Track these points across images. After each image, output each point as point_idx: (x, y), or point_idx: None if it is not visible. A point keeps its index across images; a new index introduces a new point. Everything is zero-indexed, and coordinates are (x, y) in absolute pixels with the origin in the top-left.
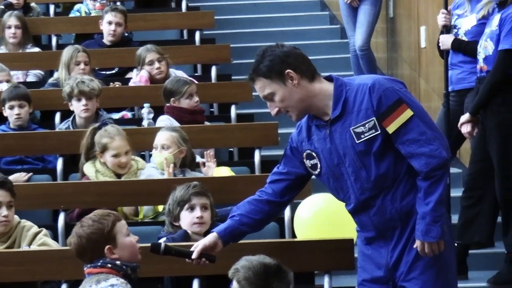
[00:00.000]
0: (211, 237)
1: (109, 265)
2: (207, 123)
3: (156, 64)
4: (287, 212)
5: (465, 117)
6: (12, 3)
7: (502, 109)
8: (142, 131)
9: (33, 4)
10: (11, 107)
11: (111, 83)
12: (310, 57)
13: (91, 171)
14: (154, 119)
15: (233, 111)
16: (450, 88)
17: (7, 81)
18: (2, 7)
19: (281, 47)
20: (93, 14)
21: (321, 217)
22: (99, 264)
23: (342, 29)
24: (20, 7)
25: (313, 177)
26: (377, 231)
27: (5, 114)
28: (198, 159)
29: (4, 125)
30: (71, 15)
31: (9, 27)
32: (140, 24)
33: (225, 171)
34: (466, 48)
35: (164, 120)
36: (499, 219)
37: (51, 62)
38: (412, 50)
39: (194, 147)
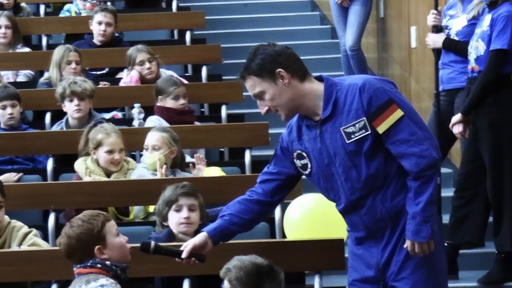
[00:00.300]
0: (201, 236)
1: (99, 265)
2: (197, 123)
3: (147, 64)
4: (277, 212)
5: (456, 117)
6: (2, 3)
7: (494, 109)
8: (132, 131)
9: (23, 4)
10: (4, 107)
11: (100, 83)
12: (300, 57)
13: (81, 168)
14: (145, 119)
15: (224, 111)
16: (440, 88)
17: None
18: None
19: (273, 46)
20: (83, 14)
21: (310, 217)
22: (88, 264)
23: (332, 29)
24: (10, 7)
25: (304, 177)
26: (367, 231)
27: None
28: (188, 159)
29: None
30: (61, 15)
31: None
32: (131, 24)
33: (216, 171)
34: (457, 47)
35: (154, 121)
36: (491, 219)
37: (42, 62)
38: (403, 50)
39: (185, 147)
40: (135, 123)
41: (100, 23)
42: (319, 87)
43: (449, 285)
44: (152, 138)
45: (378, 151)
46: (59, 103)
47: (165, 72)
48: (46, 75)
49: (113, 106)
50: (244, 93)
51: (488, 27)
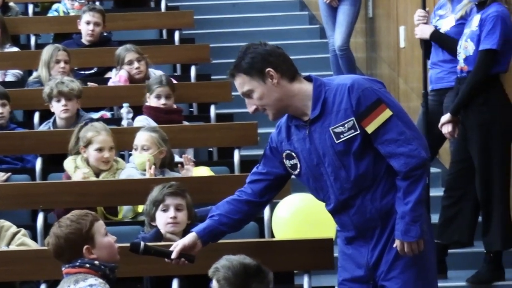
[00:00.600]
0: (191, 237)
1: (88, 265)
2: (186, 123)
3: (136, 64)
4: (266, 212)
5: (446, 117)
6: None
7: (483, 109)
8: (121, 131)
9: (11, 4)
10: None
11: (88, 83)
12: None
13: (71, 166)
14: (134, 119)
15: (213, 111)
16: (429, 88)
17: None
18: None
19: (264, 45)
20: (72, 14)
21: (298, 217)
22: (77, 264)
23: (321, 29)
24: None
25: (293, 177)
26: (357, 231)
27: None
28: (177, 159)
29: None
30: (49, 14)
31: None
32: (119, 24)
33: (205, 171)
34: (443, 41)
35: (142, 121)
36: (480, 218)
37: (30, 61)
38: (391, 50)
39: (174, 147)
40: (124, 123)
41: (88, 22)
42: (308, 87)
43: (438, 284)
44: (141, 138)
45: (367, 151)
46: (46, 103)
47: (154, 72)
48: (35, 74)
49: (101, 106)
50: (233, 93)
51: (477, 27)
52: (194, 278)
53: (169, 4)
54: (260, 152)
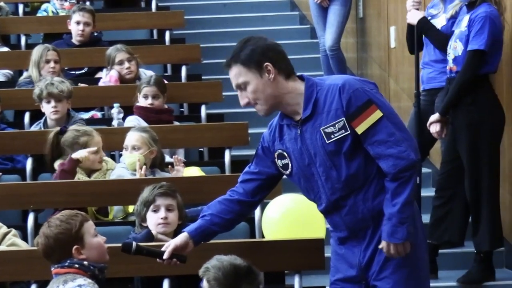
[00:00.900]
0: (182, 237)
1: (77, 266)
2: (177, 123)
3: (126, 64)
4: (257, 212)
5: (434, 116)
6: None
7: (472, 109)
8: (112, 131)
9: (1, 4)
10: None
11: (79, 83)
12: None
13: None
14: (124, 119)
15: (203, 111)
16: (421, 88)
17: None
18: None
19: (264, 40)
20: (61, 14)
21: (289, 217)
22: (66, 264)
23: (312, 29)
24: None
25: (284, 177)
26: (349, 231)
27: None
28: (168, 159)
29: None
30: (38, 14)
31: None
32: (110, 24)
33: (195, 171)
34: (429, 30)
35: (132, 121)
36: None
37: (20, 61)
38: (382, 50)
39: (165, 147)
40: (115, 123)
41: (78, 23)
42: (301, 86)
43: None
44: (131, 138)
45: (358, 151)
46: (37, 103)
47: (145, 72)
48: (25, 74)
49: (92, 106)
50: (224, 93)
51: (466, 28)
52: (185, 278)
53: (159, 4)
54: (251, 152)
